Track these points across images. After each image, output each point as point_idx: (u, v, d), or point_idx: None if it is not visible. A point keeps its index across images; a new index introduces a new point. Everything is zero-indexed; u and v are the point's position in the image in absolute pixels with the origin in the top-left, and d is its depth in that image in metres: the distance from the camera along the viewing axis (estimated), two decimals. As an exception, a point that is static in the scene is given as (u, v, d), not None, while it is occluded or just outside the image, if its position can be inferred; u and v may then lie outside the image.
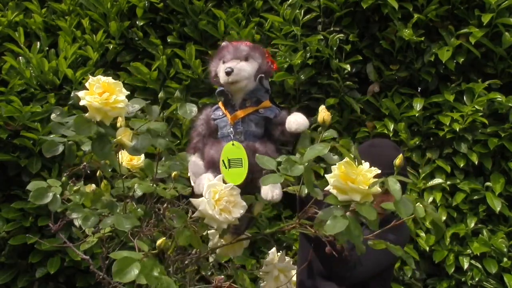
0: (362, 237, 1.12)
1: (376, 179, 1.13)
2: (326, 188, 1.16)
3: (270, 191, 1.23)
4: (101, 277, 1.27)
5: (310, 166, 1.15)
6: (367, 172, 1.14)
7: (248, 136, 1.28)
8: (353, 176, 1.11)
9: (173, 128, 2.49)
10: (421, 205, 1.14)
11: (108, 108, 1.17)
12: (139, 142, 1.22)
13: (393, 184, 1.09)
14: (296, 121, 1.26)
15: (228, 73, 1.25)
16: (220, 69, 1.30)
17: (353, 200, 1.11)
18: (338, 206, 1.12)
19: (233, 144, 1.26)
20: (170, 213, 1.28)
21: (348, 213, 1.11)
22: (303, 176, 1.15)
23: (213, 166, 1.29)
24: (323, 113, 1.21)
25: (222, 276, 1.42)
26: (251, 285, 1.44)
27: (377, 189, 1.13)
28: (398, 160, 1.20)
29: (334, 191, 1.13)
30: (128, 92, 1.22)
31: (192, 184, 1.31)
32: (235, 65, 1.27)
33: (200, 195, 1.23)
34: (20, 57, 2.73)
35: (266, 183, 1.15)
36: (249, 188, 1.26)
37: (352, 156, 1.13)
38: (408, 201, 1.11)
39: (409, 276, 2.64)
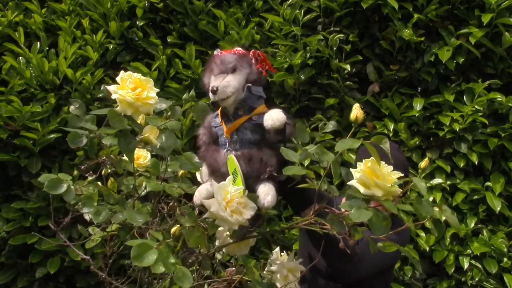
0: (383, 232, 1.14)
1: (399, 179, 1.17)
2: (349, 183, 1.18)
3: (263, 198, 1.23)
4: (103, 277, 1.27)
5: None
6: (391, 173, 1.17)
7: (244, 144, 1.28)
8: (379, 173, 1.14)
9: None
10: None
11: (139, 104, 1.18)
12: (165, 141, 1.24)
13: (419, 182, 1.13)
14: (271, 117, 1.24)
15: (213, 92, 1.25)
16: (211, 82, 1.30)
17: (375, 196, 1.14)
18: (361, 199, 1.15)
19: (228, 159, 1.26)
20: (181, 210, 1.28)
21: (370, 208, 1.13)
22: (332, 167, 1.17)
23: (213, 174, 1.30)
24: (357, 111, 1.22)
25: (234, 269, 1.43)
26: (259, 277, 1.44)
27: (399, 190, 1.16)
28: (423, 163, 1.26)
29: (358, 185, 1.16)
30: (158, 90, 1.23)
31: None
32: (220, 82, 1.26)
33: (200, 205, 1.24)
34: (20, 57, 2.73)
35: (288, 173, 1.16)
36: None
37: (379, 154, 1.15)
38: (428, 204, 1.15)
39: (409, 276, 2.64)
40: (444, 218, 1.20)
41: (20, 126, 2.58)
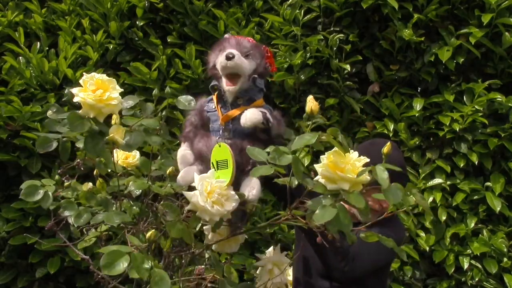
0: (351, 226, 1.12)
1: (365, 168, 1.12)
2: (315, 179, 1.15)
3: (247, 191, 1.23)
4: (99, 276, 1.27)
5: (298, 155, 1.15)
6: (355, 161, 1.13)
7: (237, 134, 1.27)
8: (342, 165, 1.12)
9: (173, 128, 2.49)
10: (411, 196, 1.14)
11: (101, 105, 1.18)
12: (132, 138, 1.23)
13: (381, 172, 1.09)
14: (245, 116, 1.24)
15: (228, 58, 1.23)
16: (219, 59, 1.28)
17: (342, 189, 1.11)
18: (328, 195, 1.12)
19: (219, 146, 1.25)
20: (163, 208, 1.28)
21: (338, 203, 1.11)
22: (292, 166, 1.14)
23: (200, 158, 1.29)
24: (311, 103, 1.21)
25: (203, 266, 1.42)
26: (237, 279, 1.43)
27: (366, 177, 1.12)
28: (386, 149, 1.20)
29: (322, 181, 1.13)
30: (122, 90, 1.23)
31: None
32: (236, 52, 1.24)
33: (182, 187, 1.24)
34: (20, 57, 2.73)
35: (256, 175, 1.15)
36: (236, 186, 1.26)
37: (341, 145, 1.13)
38: (397, 189, 1.10)
39: (409, 276, 2.64)
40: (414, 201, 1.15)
41: (20, 126, 2.58)
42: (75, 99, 1.17)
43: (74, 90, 1.18)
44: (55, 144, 1.21)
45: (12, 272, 2.64)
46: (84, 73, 1.22)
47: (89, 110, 1.17)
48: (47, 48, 2.83)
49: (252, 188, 1.23)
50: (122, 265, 1.02)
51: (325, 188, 1.12)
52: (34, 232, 2.56)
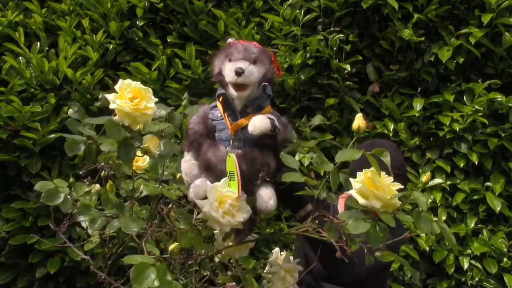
0: (379, 243, 1.14)
1: (399, 192, 1.17)
2: (348, 192, 1.17)
3: (265, 201, 1.22)
4: (102, 277, 1.26)
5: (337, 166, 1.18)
6: (391, 184, 1.16)
7: (247, 143, 1.24)
8: (378, 184, 1.14)
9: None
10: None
11: (137, 114, 1.16)
12: (163, 148, 1.23)
13: (420, 197, 1.14)
14: (253, 123, 1.20)
15: (238, 74, 1.19)
16: (226, 67, 1.23)
17: (373, 207, 1.13)
18: (359, 210, 1.15)
19: (229, 157, 1.21)
20: (176, 215, 1.27)
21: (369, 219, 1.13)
22: (331, 176, 1.17)
23: (208, 169, 1.25)
24: (359, 121, 1.23)
25: (234, 283, 1.41)
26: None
27: (398, 202, 1.16)
28: (425, 178, 1.30)
29: (356, 195, 1.15)
30: (157, 99, 1.21)
31: (186, 184, 1.28)
32: (246, 66, 1.20)
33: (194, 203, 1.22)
34: (20, 57, 2.73)
35: (287, 179, 1.16)
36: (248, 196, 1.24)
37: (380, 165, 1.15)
38: (426, 219, 1.15)
39: (409, 276, 2.64)
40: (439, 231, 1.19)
41: (20, 126, 2.58)
42: (111, 106, 1.16)
43: (110, 96, 1.17)
44: (83, 147, 1.21)
45: (12, 272, 2.64)
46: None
47: (124, 118, 1.16)
48: (47, 48, 2.82)
49: (269, 198, 1.22)
50: (150, 278, 1.01)
51: (357, 203, 1.14)
52: (34, 232, 2.56)
